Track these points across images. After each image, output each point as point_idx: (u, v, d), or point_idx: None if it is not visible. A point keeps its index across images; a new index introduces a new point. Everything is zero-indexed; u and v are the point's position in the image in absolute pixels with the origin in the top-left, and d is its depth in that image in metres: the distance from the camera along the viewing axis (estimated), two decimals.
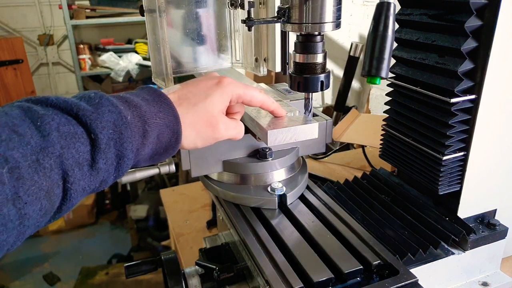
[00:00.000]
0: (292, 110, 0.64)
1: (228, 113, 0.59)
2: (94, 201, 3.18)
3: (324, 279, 0.57)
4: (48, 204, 0.38)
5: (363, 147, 1.35)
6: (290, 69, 0.66)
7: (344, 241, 0.66)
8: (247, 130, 0.68)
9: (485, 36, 0.63)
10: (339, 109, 2.06)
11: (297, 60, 0.63)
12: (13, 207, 0.35)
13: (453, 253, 0.73)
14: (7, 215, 0.35)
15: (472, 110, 0.68)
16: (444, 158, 0.69)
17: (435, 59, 0.69)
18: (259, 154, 0.77)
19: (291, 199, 0.75)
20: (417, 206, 0.79)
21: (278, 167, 0.77)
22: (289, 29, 0.60)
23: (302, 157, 0.85)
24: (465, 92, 0.67)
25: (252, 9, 0.61)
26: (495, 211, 0.79)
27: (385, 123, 0.85)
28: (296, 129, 0.59)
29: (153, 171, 0.71)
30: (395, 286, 0.57)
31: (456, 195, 0.74)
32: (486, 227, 0.76)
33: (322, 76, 0.63)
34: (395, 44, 0.78)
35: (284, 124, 0.59)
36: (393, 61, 0.78)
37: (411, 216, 0.76)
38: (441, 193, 0.73)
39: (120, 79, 3.40)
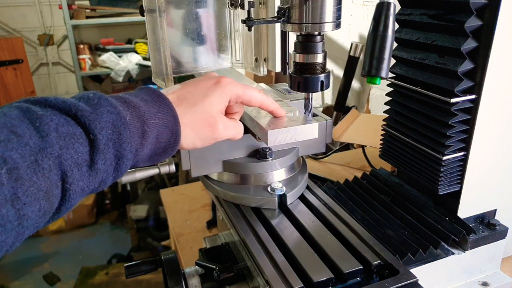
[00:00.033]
0: (292, 110, 0.64)
1: (227, 113, 0.59)
2: (94, 201, 3.18)
3: (324, 279, 0.57)
4: (47, 205, 0.38)
5: (363, 147, 1.35)
6: (290, 69, 0.66)
7: (344, 241, 0.66)
8: (247, 130, 0.68)
9: (485, 36, 0.63)
10: (339, 109, 2.06)
11: (297, 60, 0.63)
12: (11, 207, 0.35)
13: (453, 253, 0.73)
14: (5, 216, 0.35)
15: (472, 110, 0.68)
16: (444, 158, 0.69)
17: (435, 59, 0.69)
18: (259, 154, 0.77)
19: (291, 199, 0.75)
20: (417, 206, 0.79)
21: (278, 167, 0.77)
22: (289, 29, 0.60)
23: (302, 157, 0.85)
24: (465, 92, 0.67)
25: (252, 9, 0.61)
26: (495, 211, 0.79)
27: (385, 123, 0.85)
28: (296, 129, 0.59)
29: (153, 171, 0.71)
30: (395, 286, 0.57)
31: (456, 195, 0.74)
32: (486, 227, 0.76)
33: (322, 76, 0.63)
34: (395, 44, 0.78)
35: (284, 124, 0.59)
36: (393, 61, 0.78)
37: (411, 216, 0.76)
38: (441, 193, 0.73)
39: (120, 79, 3.40)
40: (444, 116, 0.68)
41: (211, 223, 1.16)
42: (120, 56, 3.43)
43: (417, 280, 0.59)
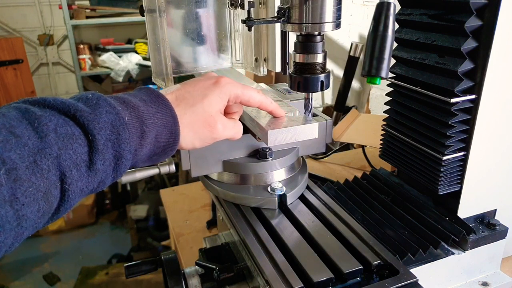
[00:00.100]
0: (292, 110, 0.64)
1: (227, 113, 0.59)
2: (94, 201, 3.18)
3: (324, 279, 0.57)
4: (46, 205, 0.38)
5: (363, 147, 1.35)
6: (290, 69, 0.66)
7: (344, 241, 0.66)
8: (247, 130, 0.68)
9: (485, 36, 0.63)
10: (339, 109, 2.06)
11: (297, 60, 0.63)
12: (10, 208, 0.35)
13: (453, 253, 0.73)
14: (4, 217, 0.35)
15: (472, 110, 0.68)
16: (444, 158, 0.69)
17: (435, 59, 0.69)
18: (259, 154, 0.77)
19: (291, 199, 0.75)
20: (417, 206, 0.79)
21: (278, 167, 0.77)
22: (289, 29, 0.60)
23: (302, 157, 0.85)
24: (465, 92, 0.67)
25: (252, 9, 0.61)
26: (495, 211, 0.79)
27: (385, 123, 0.85)
28: (296, 129, 0.59)
29: (153, 171, 0.71)
30: (395, 286, 0.57)
31: (456, 195, 0.74)
32: (486, 227, 0.76)
33: (322, 76, 0.63)
34: (395, 44, 0.78)
35: (284, 124, 0.59)
36: (393, 61, 0.78)
37: (411, 216, 0.76)
38: (441, 193, 0.73)
39: (120, 79, 3.40)
40: (444, 116, 0.68)
41: (211, 223, 1.16)
42: (120, 56, 3.43)
43: (417, 280, 0.59)
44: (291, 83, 0.65)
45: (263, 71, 0.81)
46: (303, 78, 0.63)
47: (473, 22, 0.62)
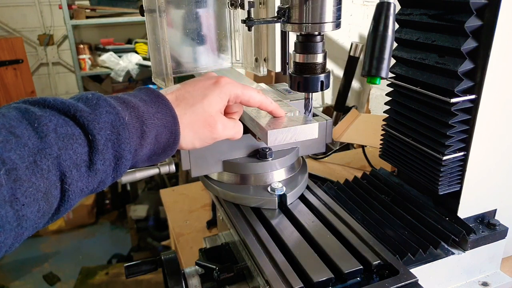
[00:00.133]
0: (292, 110, 0.64)
1: (227, 113, 0.59)
2: (94, 201, 3.18)
3: (324, 279, 0.57)
4: (46, 206, 0.38)
5: (363, 147, 1.35)
6: (290, 69, 0.66)
7: (344, 241, 0.66)
8: (247, 130, 0.68)
9: (485, 36, 0.63)
10: (339, 109, 2.06)
11: (297, 60, 0.63)
12: (10, 208, 0.35)
13: (453, 253, 0.73)
14: (4, 217, 0.34)
15: (472, 110, 0.68)
16: (444, 158, 0.69)
17: (435, 59, 0.69)
18: (259, 154, 0.77)
19: (291, 199, 0.75)
20: (417, 206, 0.79)
21: (278, 167, 0.77)
22: (289, 29, 0.60)
23: (302, 157, 0.85)
24: (465, 92, 0.67)
25: (252, 9, 0.61)
26: (495, 211, 0.79)
27: (385, 123, 0.85)
28: (296, 129, 0.59)
29: (153, 171, 0.71)
30: (395, 286, 0.57)
31: (456, 195, 0.74)
32: (486, 227, 0.76)
33: (322, 76, 0.63)
34: (395, 44, 0.78)
35: (284, 124, 0.59)
36: (393, 61, 0.78)
37: (411, 216, 0.76)
38: (441, 193, 0.73)
39: (120, 79, 3.40)
40: (444, 116, 0.68)
41: (211, 223, 1.16)
42: (120, 56, 3.43)
43: (417, 280, 0.59)
44: (291, 83, 0.65)
45: (263, 71, 0.81)
46: (303, 78, 0.63)
47: (473, 22, 0.62)
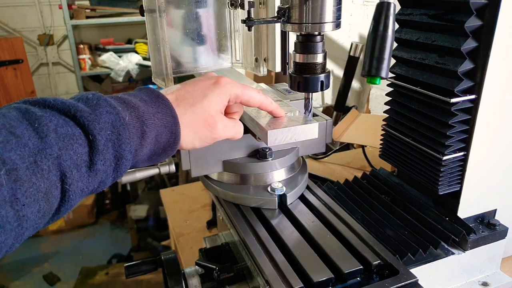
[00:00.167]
0: (292, 110, 0.64)
1: (227, 113, 0.59)
2: (94, 201, 3.18)
3: (324, 279, 0.57)
4: (46, 206, 0.38)
5: (363, 147, 1.35)
6: (290, 69, 0.66)
7: (344, 241, 0.66)
8: (247, 130, 0.68)
9: (485, 36, 0.63)
10: (339, 109, 2.06)
11: (297, 60, 0.63)
12: (11, 209, 0.35)
13: (453, 253, 0.73)
14: (5, 217, 0.34)
15: (472, 110, 0.68)
16: (444, 158, 0.69)
17: (435, 59, 0.69)
18: (259, 154, 0.77)
19: (291, 199, 0.75)
20: (417, 206, 0.79)
21: (278, 167, 0.77)
22: (289, 29, 0.60)
23: (302, 157, 0.85)
24: (465, 92, 0.67)
25: (252, 9, 0.61)
26: (495, 211, 0.79)
27: (385, 123, 0.85)
28: (296, 129, 0.59)
29: (153, 171, 0.71)
30: (395, 286, 0.57)
31: (456, 195, 0.74)
32: (486, 227, 0.76)
33: (322, 76, 0.63)
34: (395, 44, 0.78)
35: (284, 124, 0.59)
36: (393, 61, 0.78)
37: (411, 216, 0.76)
38: (441, 193, 0.73)
39: (120, 79, 3.40)
40: (444, 116, 0.68)
41: (211, 223, 1.16)
42: (120, 56, 3.43)
43: (417, 280, 0.59)
44: (291, 83, 0.65)
45: (263, 71, 0.81)
46: (303, 78, 0.63)
47: (473, 22, 0.62)
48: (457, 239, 0.72)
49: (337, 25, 0.59)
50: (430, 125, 0.71)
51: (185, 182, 2.56)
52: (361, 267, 0.59)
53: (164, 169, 0.71)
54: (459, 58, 0.65)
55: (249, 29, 0.62)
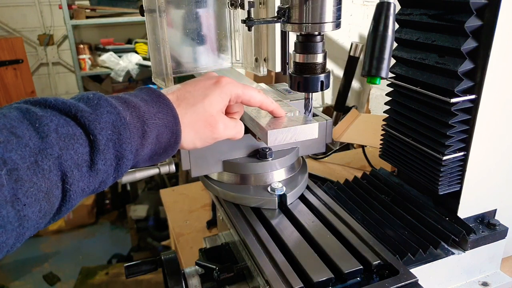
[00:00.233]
0: (292, 110, 0.64)
1: (227, 113, 0.59)
2: (94, 201, 3.18)
3: (324, 279, 0.57)
4: (47, 206, 0.38)
5: (363, 147, 1.35)
6: (290, 69, 0.66)
7: (344, 241, 0.66)
8: (247, 130, 0.68)
9: (485, 36, 0.63)
10: (339, 109, 2.06)
11: (297, 60, 0.63)
12: (12, 208, 0.35)
13: (453, 253, 0.73)
14: (6, 217, 0.35)
15: (472, 110, 0.68)
16: (444, 158, 0.69)
17: (435, 59, 0.69)
18: (259, 154, 0.77)
19: (291, 199, 0.75)
20: (417, 206, 0.79)
21: (278, 167, 0.77)
22: (289, 29, 0.60)
23: (302, 157, 0.85)
24: (465, 92, 0.67)
25: (252, 9, 0.61)
26: (495, 211, 0.79)
27: (385, 123, 0.85)
28: (296, 129, 0.59)
29: (153, 171, 0.71)
30: (395, 286, 0.57)
31: (456, 195, 0.74)
32: (486, 227, 0.76)
33: (322, 76, 0.63)
34: (395, 44, 0.78)
35: (284, 124, 0.59)
36: (393, 61, 0.78)
37: (411, 216, 0.76)
38: (441, 193, 0.73)
39: (120, 79, 3.40)
40: (444, 116, 0.68)
41: (211, 223, 1.16)
42: (120, 56, 3.43)
43: (417, 280, 0.59)
44: (291, 83, 0.65)
45: (263, 71, 0.81)
46: (303, 78, 0.63)
47: (473, 22, 0.62)
48: (457, 239, 0.72)
49: (337, 25, 0.59)
50: (430, 125, 0.71)
51: (185, 182, 2.56)
52: (361, 267, 0.59)
53: (164, 169, 0.71)
54: (459, 58, 0.65)
55: (249, 29, 0.62)
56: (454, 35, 0.65)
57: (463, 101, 0.66)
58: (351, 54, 1.95)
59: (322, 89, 0.64)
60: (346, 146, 1.63)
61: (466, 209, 0.75)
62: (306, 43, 0.61)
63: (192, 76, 0.83)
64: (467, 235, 0.72)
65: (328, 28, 0.58)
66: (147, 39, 0.80)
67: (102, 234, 3.08)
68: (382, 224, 0.75)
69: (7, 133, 0.36)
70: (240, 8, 0.74)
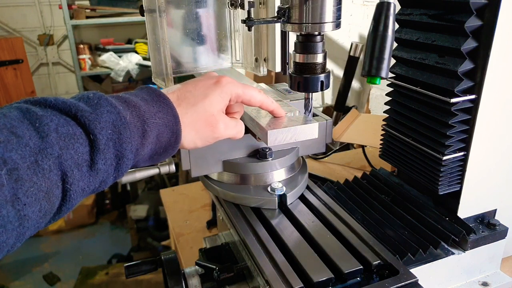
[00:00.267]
0: (292, 110, 0.64)
1: (228, 112, 0.59)
2: (94, 201, 3.18)
3: (324, 279, 0.57)
4: (47, 205, 0.38)
5: (363, 147, 1.35)
6: (290, 69, 0.66)
7: (344, 241, 0.66)
8: (247, 130, 0.68)
9: (485, 36, 0.63)
10: (339, 109, 2.06)
11: (297, 60, 0.63)
12: (12, 208, 0.35)
13: (453, 253, 0.73)
14: (6, 217, 0.35)
15: (472, 110, 0.68)
16: (444, 158, 0.69)
17: (435, 59, 0.69)
18: (259, 154, 0.77)
19: (291, 199, 0.75)
20: (417, 206, 0.79)
21: (278, 167, 0.77)
22: (289, 29, 0.60)
23: (302, 157, 0.85)
24: (465, 92, 0.67)
25: (252, 9, 0.61)
26: (495, 211, 0.79)
27: (385, 123, 0.85)
28: (296, 129, 0.59)
29: (153, 171, 0.71)
30: (395, 286, 0.57)
31: (456, 195, 0.74)
32: (486, 227, 0.76)
33: (322, 76, 0.63)
34: (395, 44, 0.78)
35: (284, 124, 0.59)
36: (393, 61, 0.78)
37: (411, 216, 0.76)
38: (441, 193, 0.73)
39: (120, 79, 3.40)
40: (444, 116, 0.68)
41: (211, 223, 1.16)
42: (120, 56, 3.43)
43: (417, 280, 0.59)
44: (291, 83, 0.65)
45: (263, 71, 0.81)
46: (303, 78, 0.63)
47: (473, 22, 0.62)
48: (457, 239, 0.72)
49: (337, 25, 0.59)
50: (430, 125, 0.71)
51: (185, 182, 2.56)
52: (361, 267, 0.59)
53: (164, 169, 0.71)
54: (459, 58, 0.65)
55: (249, 29, 0.63)
56: (454, 35, 0.65)
57: (463, 101, 0.66)
58: (351, 54, 1.95)
59: (322, 89, 0.64)
60: (346, 146, 1.63)
61: (466, 209, 0.75)
62: (306, 43, 0.61)
63: (192, 76, 0.83)
64: (467, 235, 0.72)
65: (328, 28, 0.58)
66: (147, 39, 0.80)
67: (102, 234, 3.08)
68: (382, 224, 0.75)
69: (7, 133, 0.36)
70: (240, 8, 0.74)
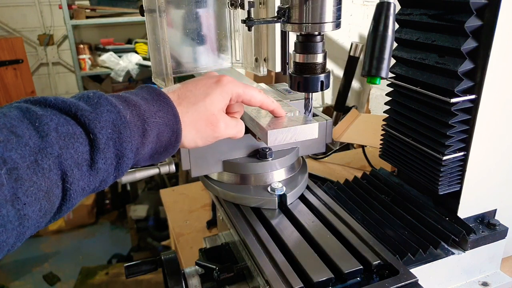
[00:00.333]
0: (292, 110, 0.64)
1: (228, 112, 0.59)
2: (94, 201, 3.18)
3: (324, 279, 0.57)
4: (47, 205, 0.38)
5: (363, 147, 1.35)
6: (290, 69, 0.66)
7: (344, 241, 0.66)
8: (247, 130, 0.68)
9: (485, 36, 0.63)
10: (339, 109, 2.06)
11: (297, 60, 0.63)
12: (12, 208, 0.35)
13: (453, 253, 0.73)
14: (6, 216, 0.35)
15: (472, 110, 0.68)
16: (444, 158, 0.69)
17: (435, 59, 0.69)
18: (259, 154, 0.77)
19: (291, 199, 0.75)
20: (417, 206, 0.79)
21: (278, 167, 0.77)
22: (289, 29, 0.60)
23: (302, 157, 0.85)
24: (465, 92, 0.67)
25: (252, 9, 0.61)
26: (495, 211, 0.79)
27: (385, 123, 0.85)
28: (296, 129, 0.59)
29: (153, 171, 0.71)
30: (395, 286, 0.57)
31: (456, 195, 0.74)
32: (486, 227, 0.76)
33: (322, 76, 0.63)
34: (395, 44, 0.78)
35: (284, 124, 0.59)
36: (393, 61, 0.78)
37: (411, 216, 0.76)
38: (441, 193, 0.73)
39: (120, 79, 3.40)
40: (444, 116, 0.68)
41: (211, 223, 1.16)
42: (120, 56, 3.43)
43: (417, 280, 0.59)
44: (291, 83, 0.65)
45: (263, 71, 0.81)
46: (303, 78, 0.63)
47: (473, 22, 0.62)
48: (457, 239, 0.72)
49: (337, 25, 0.59)
50: (430, 125, 0.72)
51: (185, 182, 2.56)
52: (361, 267, 0.59)
53: (164, 169, 0.71)
54: (459, 58, 0.65)
55: (249, 29, 0.63)
56: (454, 35, 0.65)
57: (463, 101, 0.66)
58: (351, 54, 1.95)
59: (322, 89, 0.64)
60: (346, 146, 1.63)
61: (466, 209, 0.75)
62: (306, 43, 0.61)
63: (192, 76, 0.83)
64: (467, 235, 0.72)
65: (328, 28, 0.58)
66: (147, 39, 0.80)
67: (102, 234, 3.08)
68: (382, 224, 0.75)
69: (7, 132, 0.36)
70: (240, 8, 0.74)
